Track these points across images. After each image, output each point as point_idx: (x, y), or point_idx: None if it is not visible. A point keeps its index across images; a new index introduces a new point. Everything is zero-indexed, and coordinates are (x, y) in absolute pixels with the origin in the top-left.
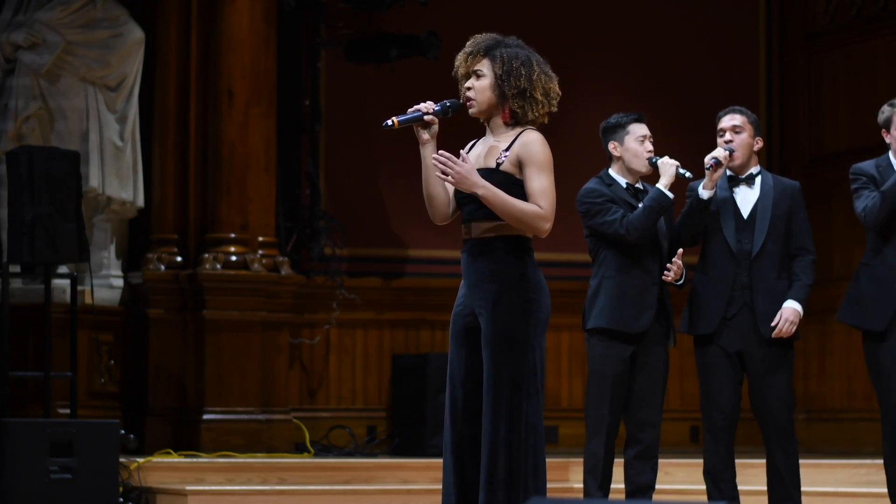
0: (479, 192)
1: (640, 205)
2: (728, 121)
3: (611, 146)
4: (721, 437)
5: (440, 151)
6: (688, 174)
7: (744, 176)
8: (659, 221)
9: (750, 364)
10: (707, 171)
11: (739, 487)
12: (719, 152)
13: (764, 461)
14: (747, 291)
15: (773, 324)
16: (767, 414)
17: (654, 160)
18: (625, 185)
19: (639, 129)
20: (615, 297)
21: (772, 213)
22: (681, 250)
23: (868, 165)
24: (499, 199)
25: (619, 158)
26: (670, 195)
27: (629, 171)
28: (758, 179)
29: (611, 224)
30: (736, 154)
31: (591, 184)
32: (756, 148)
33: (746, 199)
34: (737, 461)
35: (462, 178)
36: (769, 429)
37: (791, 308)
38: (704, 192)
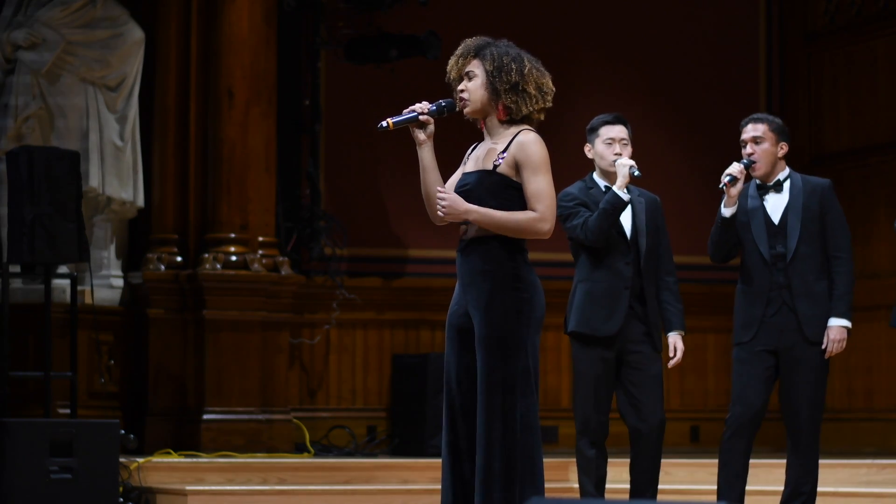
0: (471, 217)
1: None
2: (749, 131)
3: (586, 148)
4: (742, 433)
5: (441, 189)
6: (637, 173)
7: (771, 183)
8: (640, 222)
9: (785, 363)
10: (723, 189)
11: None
12: (734, 168)
13: (766, 461)
14: (785, 291)
15: (823, 347)
16: (797, 412)
17: (615, 161)
18: (604, 189)
19: (608, 132)
20: (586, 301)
21: (802, 216)
22: (679, 353)
23: (573, 189)
24: (492, 220)
25: (593, 160)
26: (625, 196)
27: (604, 173)
28: (786, 184)
29: (574, 228)
30: (757, 165)
31: (570, 187)
32: (780, 154)
33: (776, 205)
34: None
35: (449, 209)
36: (796, 427)
37: (836, 327)
38: (726, 211)
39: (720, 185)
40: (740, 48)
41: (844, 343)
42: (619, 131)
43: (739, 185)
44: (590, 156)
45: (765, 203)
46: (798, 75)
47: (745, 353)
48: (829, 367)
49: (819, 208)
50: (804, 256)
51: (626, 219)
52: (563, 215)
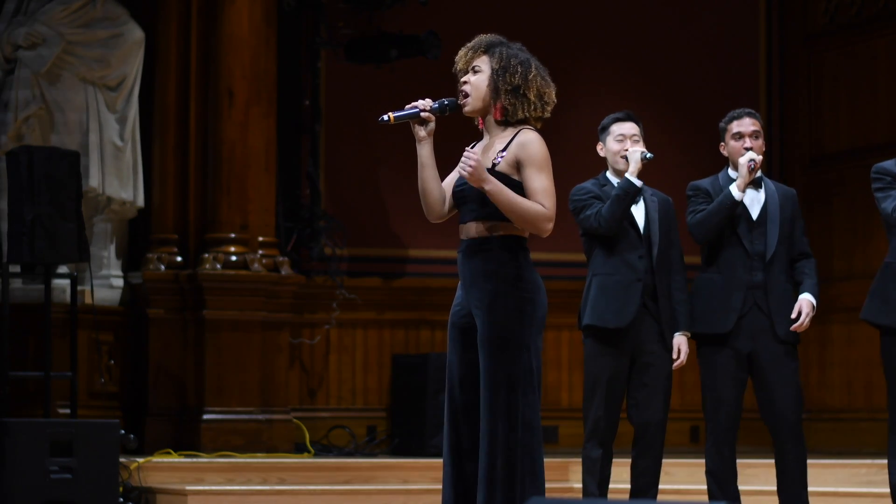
0: (487, 187)
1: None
2: (749, 125)
3: (598, 147)
4: (725, 437)
5: (473, 150)
6: (648, 154)
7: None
8: (654, 219)
9: (760, 364)
10: (749, 173)
11: (740, 487)
12: (753, 154)
13: (765, 461)
14: (759, 292)
15: (793, 316)
16: (779, 414)
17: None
18: (616, 185)
19: (618, 129)
20: (599, 294)
21: (780, 217)
22: (683, 355)
23: (891, 165)
24: (505, 197)
25: (605, 159)
26: (637, 182)
27: (617, 172)
28: (762, 183)
29: (587, 218)
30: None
31: (584, 183)
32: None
33: (754, 201)
34: (738, 461)
35: (475, 172)
36: (781, 429)
37: (808, 301)
38: (739, 194)
39: (750, 168)
40: (740, 48)
41: (809, 321)
42: (629, 128)
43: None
44: (602, 154)
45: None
46: (798, 75)
47: (720, 355)
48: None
49: (791, 214)
50: (779, 256)
51: (639, 214)
52: (576, 208)
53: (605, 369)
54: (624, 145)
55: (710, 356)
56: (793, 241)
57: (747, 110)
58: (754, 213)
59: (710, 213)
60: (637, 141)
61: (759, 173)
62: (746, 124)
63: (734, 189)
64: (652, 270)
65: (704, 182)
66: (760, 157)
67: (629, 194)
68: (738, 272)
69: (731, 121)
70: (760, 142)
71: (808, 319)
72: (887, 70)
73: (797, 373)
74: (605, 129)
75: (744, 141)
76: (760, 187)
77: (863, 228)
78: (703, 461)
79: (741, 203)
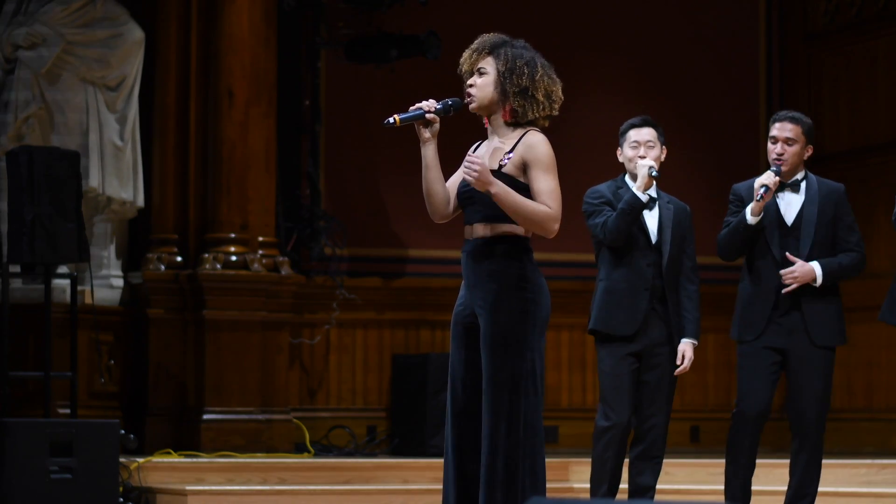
0: (493, 190)
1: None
2: (785, 131)
3: (617, 152)
4: (750, 431)
5: (473, 156)
6: (655, 172)
7: (789, 182)
8: (667, 228)
9: (793, 365)
10: (759, 200)
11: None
12: (769, 178)
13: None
14: (794, 294)
15: (785, 272)
16: (803, 414)
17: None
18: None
19: (633, 135)
20: (606, 299)
21: (817, 220)
22: (687, 362)
23: None
24: (510, 199)
25: (623, 164)
26: (642, 197)
27: (634, 175)
28: (803, 185)
29: (595, 227)
30: (784, 168)
31: (600, 185)
32: (806, 157)
33: (790, 205)
34: None
35: (480, 176)
36: (802, 428)
37: (810, 268)
38: (752, 219)
39: (757, 197)
40: (740, 48)
41: (797, 285)
42: (645, 134)
43: (770, 195)
44: (620, 159)
45: (778, 202)
46: (798, 75)
47: (750, 349)
48: (833, 368)
49: (834, 214)
50: (816, 259)
51: (652, 222)
52: (587, 212)
53: (614, 367)
54: (638, 152)
55: (746, 356)
56: (835, 241)
57: (791, 114)
58: (789, 219)
59: (730, 232)
60: (651, 147)
61: (801, 173)
62: (785, 129)
63: (748, 214)
64: (661, 276)
65: (743, 186)
66: (777, 180)
67: (634, 209)
68: (768, 280)
69: (773, 122)
70: (794, 148)
71: (791, 279)
72: (887, 70)
73: (828, 375)
74: (623, 134)
75: (777, 146)
76: (798, 190)
77: (862, 228)
78: (703, 461)
79: (756, 226)
